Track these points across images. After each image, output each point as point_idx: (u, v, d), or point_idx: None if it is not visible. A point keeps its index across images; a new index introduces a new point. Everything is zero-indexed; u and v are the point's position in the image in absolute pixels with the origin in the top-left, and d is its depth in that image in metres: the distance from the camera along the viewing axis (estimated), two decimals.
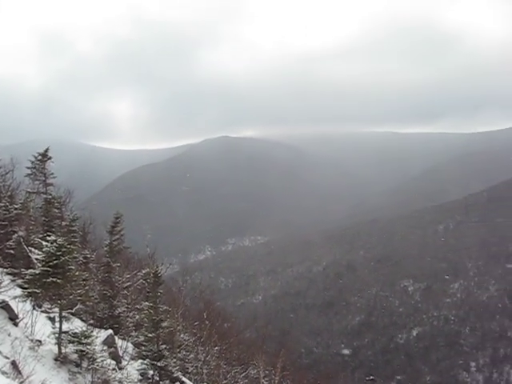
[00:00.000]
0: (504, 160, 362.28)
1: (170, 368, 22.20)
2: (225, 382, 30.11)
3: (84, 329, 19.13)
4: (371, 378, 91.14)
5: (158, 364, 21.81)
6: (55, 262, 17.68)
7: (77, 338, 18.38)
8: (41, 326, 19.29)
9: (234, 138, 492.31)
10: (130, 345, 25.33)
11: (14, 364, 15.04)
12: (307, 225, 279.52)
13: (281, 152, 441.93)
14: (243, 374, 35.33)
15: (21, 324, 18.88)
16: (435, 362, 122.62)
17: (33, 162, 35.68)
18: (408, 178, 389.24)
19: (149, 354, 21.98)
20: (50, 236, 19.04)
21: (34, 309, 20.21)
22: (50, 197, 32.96)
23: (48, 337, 18.79)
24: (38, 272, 18.01)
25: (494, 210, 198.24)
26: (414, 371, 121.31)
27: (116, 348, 22.56)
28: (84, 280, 22.53)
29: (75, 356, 18.48)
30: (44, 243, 18.20)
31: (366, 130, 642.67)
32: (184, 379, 24.16)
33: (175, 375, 22.87)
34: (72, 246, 18.72)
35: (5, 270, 23.47)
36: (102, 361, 19.23)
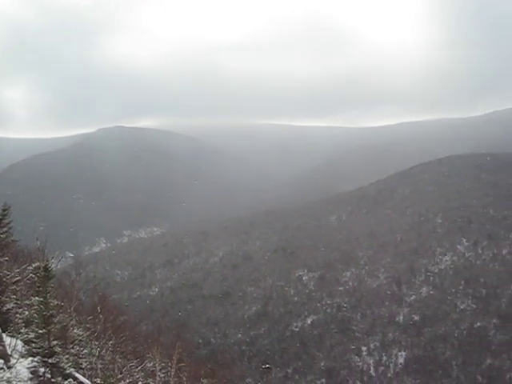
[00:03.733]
0: (394, 154, 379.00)
1: (63, 364, 21.43)
2: (120, 376, 29.50)
3: None
4: (267, 366, 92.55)
5: (50, 361, 20.98)
6: None
7: None
8: None
9: (130, 128, 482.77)
10: (19, 342, 24.22)
11: None
12: (204, 216, 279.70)
13: (179, 143, 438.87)
14: (139, 368, 34.75)
15: None
16: (329, 348, 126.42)
17: None
18: (304, 170, 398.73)
19: (39, 350, 21.09)
20: None
21: None
22: None
23: None
24: None
25: (382, 202, 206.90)
26: (310, 358, 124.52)
27: (4, 346, 21.50)
28: None
29: None
30: None
31: (266, 122, 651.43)
32: (77, 375, 23.42)
33: (68, 372, 22.09)
34: None
35: None
36: None
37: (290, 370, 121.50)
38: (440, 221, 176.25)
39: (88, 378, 25.32)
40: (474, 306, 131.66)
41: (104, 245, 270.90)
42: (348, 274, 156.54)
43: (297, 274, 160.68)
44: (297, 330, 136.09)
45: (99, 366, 28.84)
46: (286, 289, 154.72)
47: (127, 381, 29.76)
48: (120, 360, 32.98)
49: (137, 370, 33.66)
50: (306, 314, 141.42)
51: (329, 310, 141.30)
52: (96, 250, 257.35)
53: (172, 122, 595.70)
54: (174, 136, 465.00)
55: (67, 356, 22.88)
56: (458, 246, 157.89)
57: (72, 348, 26.53)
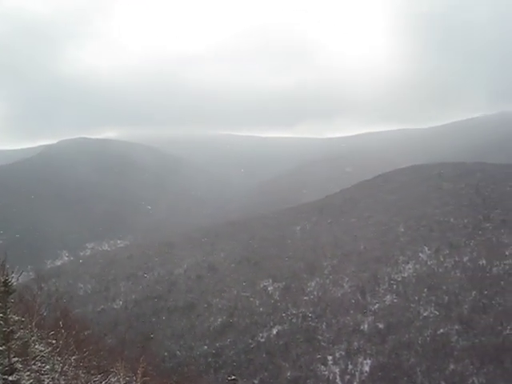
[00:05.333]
0: (356, 164, 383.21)
1: (24, 382, 21.06)
2: None
3: None
4: (233, 377, 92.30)
5: (10, 378, 20.60)
6: None
7: None
8: None
9: (93, 140, 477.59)
10: None
11: None
12: (168, 228, 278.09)
13: (143, 154, 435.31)
14: (103, 383, 34.26)
15: None
16: (295, 358, 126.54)
17: None
18: (268, 180, 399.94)
19: None
20: None
21: None
22: None
23: None
24: None
25: (346, 212, 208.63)
26: (276, 368, 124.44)
27: None
28: None
29: None
30: None
31: (230, 133, 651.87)
32: None
33: None
34: None
35: None
36: None
37: (256, 381, 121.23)
38: (402, 230, 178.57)
39: None
40: (437, 313, 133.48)
41: (67, 258, 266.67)
42: (313, 283, 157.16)
43: (262, 285, 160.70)
44: (263, 340, 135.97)
45: (62, 382, 28.36)
46: (252, 299, 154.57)
47: None
48: (83, 375, 32.47)
49: None
50: (272, 324, 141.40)
51: (294, 320, 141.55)
52: (58, 263, 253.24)
53: (136, 132, 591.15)
54: (138, 147, 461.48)
55: (28, 373, 22.47)
56: (421, 255, 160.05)
57: (33, 364, 26.04)
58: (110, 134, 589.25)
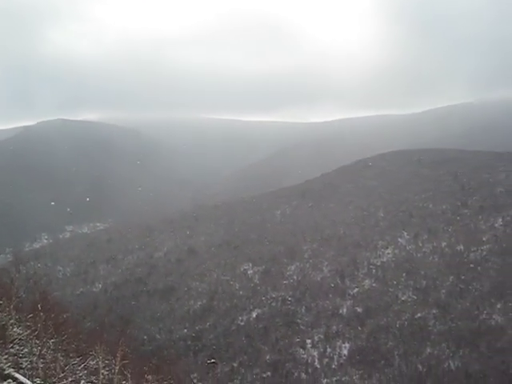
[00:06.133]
0: (337, 148, 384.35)
1: (1, 365, 20.94)
2: (62, 375, 28.97)
3: None
4: (212, 360, 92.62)
5: None
6: None
7: None
8: None
9: (72, 121, 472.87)
10: None
11: None
12: (148, 211, 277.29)
13: (123, 136, 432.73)
14: (82, 366, 34.20)
15: None
16: (274, 342, 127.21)
17: None
18: (249, 164, 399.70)
19: None
20: None
21: None
22: None
23: None
24: None
25: (327, 196, 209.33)
26: (255, 351, 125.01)
27: None
28: None
29: None
30: None
31: (213, 116, 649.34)
32: (17, 375, 22.90)
33: (7, 372, 21.61)
34: None
35: None
36: None
37: (235, 364, 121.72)
38: (382, 215, 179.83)
39: (28, 378, 24.78)
40: (415, 298, 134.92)
41: (46, 240, 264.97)
42: (292, 267, 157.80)
43: (242, 268, 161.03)
44: (242, 324, 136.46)
45: (40, 365, 28.27)
46: (231, 283, 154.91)
47: (69, 380, 29.28)
48: (62, 358, 32.40)
49: (79, 368, 33.16)
50: (251, 307, 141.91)
51: (274, 304, 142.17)
52: (37, 245, 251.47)
53: (116, 115, 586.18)
54: (118, 129, 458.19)
55: (6, 356, 22.35)
56: (400, 240, 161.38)
57: (11, 347, 25.90)
58: (89, 115, 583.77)
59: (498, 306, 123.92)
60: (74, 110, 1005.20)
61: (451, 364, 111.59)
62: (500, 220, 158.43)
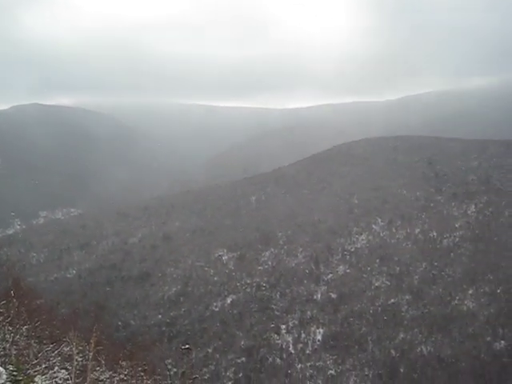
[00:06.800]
0: (312, 135, 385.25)
1: None
2: (35, 361, 28.73)
3: None
4: (187, 346, 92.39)
5: None
6: None
7: None
8: None
9: (48, 106, 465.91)
10: None
11: None
12: (123, 197, 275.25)
13: (99, 122, 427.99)
14: (56, 352, 33.94)
15: None
16: (249, 327, 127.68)
17: None
18: (224, 150, 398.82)
19: None
20: None
21: None
22: None
23: None
24: None
25: (301, 183, 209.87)
26: (230, 337, 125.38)
27: None
28: None
29: None
30: None
31: (188, 102, 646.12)
32: None
33: None
34: None
35: None
36: None
37: (210, 350, 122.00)
38: (356, 201, 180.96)
39: (1, 365, 24.52)
40: (388, 283, 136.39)
41: (18, 226, 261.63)
42: (267, 253, 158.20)
43: (216, 254, 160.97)
44: (217, 309, 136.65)
45: (13, 351, 28.00)
46: (206, 269, 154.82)
47: (43, 366, 29.05)
48: (35, 345, 32.15)
49: (53, 354, 32.90)
50: (226, 293, 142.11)
51: (248, 290, 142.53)
52: (10, 231, 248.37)
53: (92, 100, 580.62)
54: (94, 115, 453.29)
55: None
56: (374, 226, 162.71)
57: None
58: (64, 101, 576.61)
59: (470, 291, 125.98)
60: (49, 95, 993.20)
61: (424, 349, 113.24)
62: (473, 207, 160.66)
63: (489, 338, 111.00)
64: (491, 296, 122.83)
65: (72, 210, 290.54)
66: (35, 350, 30.83)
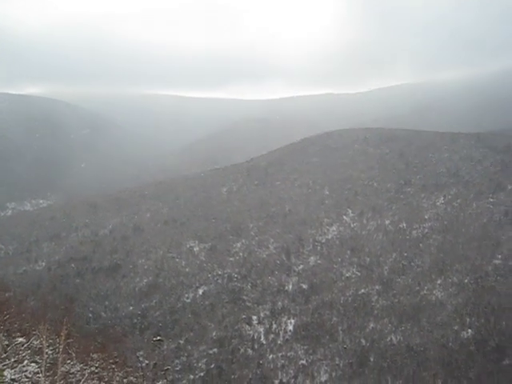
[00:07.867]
0: (284, 126, 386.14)
1: None
2: (4, 355, 28.40)
3: None
4: (158, 338, 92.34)
5: None
6: None
7: None
8: None
9: (16, 96, 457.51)
10: None
11: None
12: (93, 188, 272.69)
13: (69, 112, 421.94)
14: (25, 345, 33.60)
15: None
16: (220, 318, 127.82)
17: None
18: (195, 141, 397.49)
19: None
20: None
21: None
22: None
23: None
24: None
25: (273, 174, 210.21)
26: (201, 328, 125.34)
27: None
28: None
29: None
30: None
31: (158, 93, 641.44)
32: None
33: None
34: None
35: None
36: None
37: (181, 341, 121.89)
38: (327, 192, 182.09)
39: None
40: (359, 274, 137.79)
41: None
42: (238, 244, 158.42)
43: (188, 245, 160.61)
44: (188, 301, 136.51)
45: None
46: (177, 260, 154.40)
47: (12, 360, 28.74)
48: (4, 338, 31.77)
49: (23, 348, 32.56)
50: (198, 284, 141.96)
51: (220, 281, 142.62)
52: None
53: (59, 89, 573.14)
54: (61, 104, 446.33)
55: None
56: (344, 217, 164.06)
57: None
58: (32, 89, 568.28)
59: (439, 281, 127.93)
60: (15, 84, 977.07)
61: (393, 338, 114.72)
62: (441, 198, 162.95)
63: (456, 327, 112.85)
64: (459, 286, 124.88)
65: (41, 201, 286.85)
66: (4, 344, 30.46)
